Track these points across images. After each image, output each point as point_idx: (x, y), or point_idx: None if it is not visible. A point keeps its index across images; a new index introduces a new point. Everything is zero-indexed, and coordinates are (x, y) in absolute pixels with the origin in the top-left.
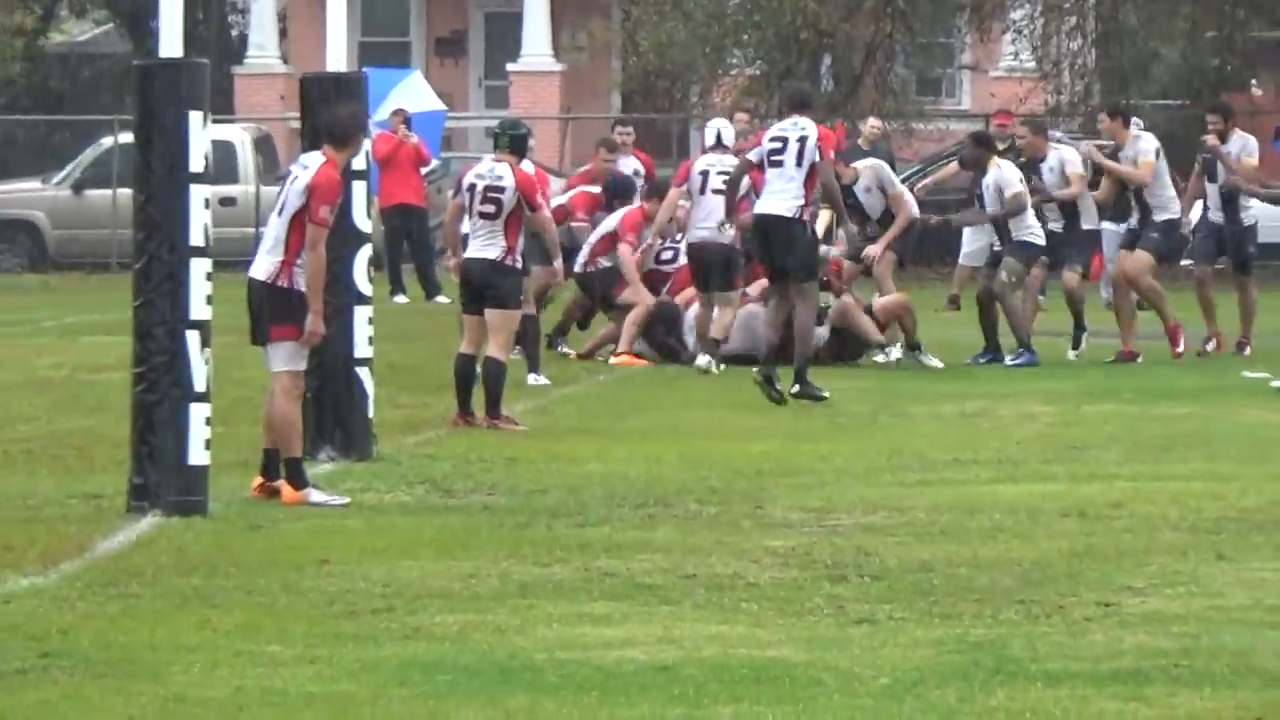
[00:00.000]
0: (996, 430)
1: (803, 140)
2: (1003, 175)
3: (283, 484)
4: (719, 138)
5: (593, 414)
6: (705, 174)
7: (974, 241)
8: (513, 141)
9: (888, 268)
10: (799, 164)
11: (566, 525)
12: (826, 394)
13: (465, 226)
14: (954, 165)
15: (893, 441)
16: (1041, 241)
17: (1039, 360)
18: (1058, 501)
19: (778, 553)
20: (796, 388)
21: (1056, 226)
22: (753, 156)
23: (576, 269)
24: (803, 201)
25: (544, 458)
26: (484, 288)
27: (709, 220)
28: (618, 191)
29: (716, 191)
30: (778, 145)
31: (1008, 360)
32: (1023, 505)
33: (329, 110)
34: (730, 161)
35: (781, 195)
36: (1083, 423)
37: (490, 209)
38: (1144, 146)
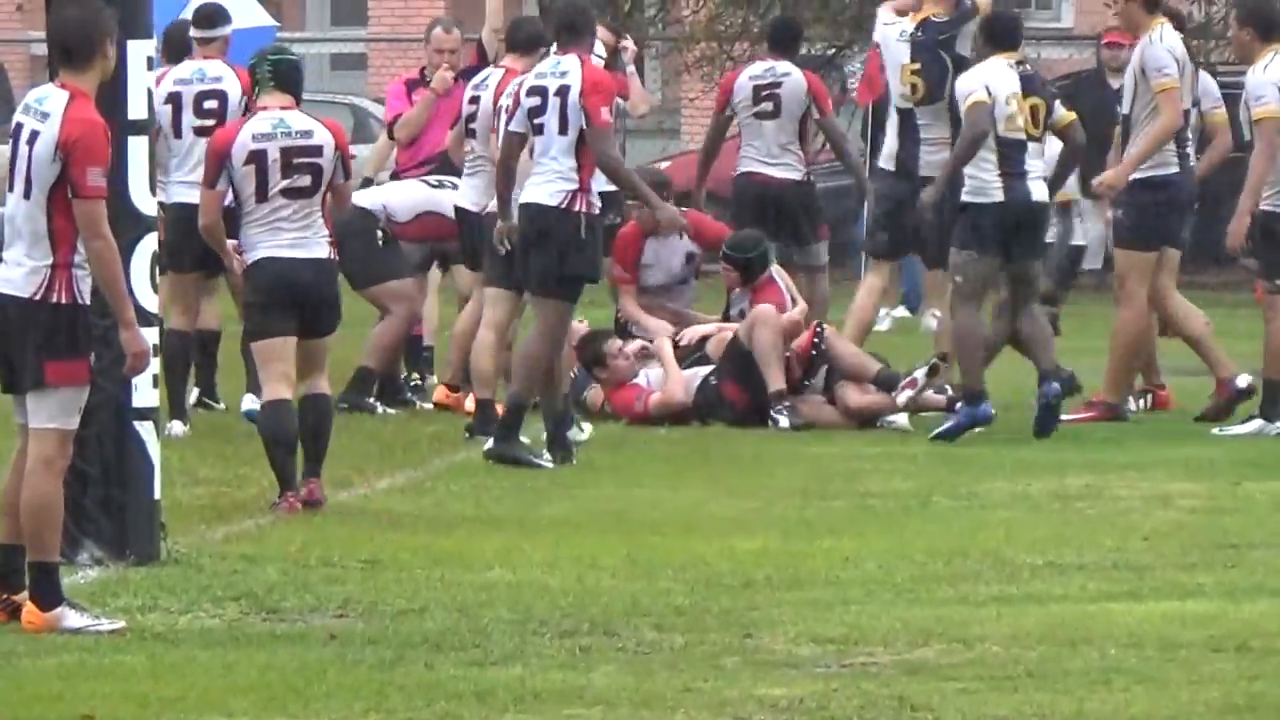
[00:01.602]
0: (1112, 519)
1: (564, 91)
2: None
3: (26, 600)
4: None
5: (496, 494)
6: None
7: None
8: (278, 76)
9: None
10: (563, 128)
11: (456, 663)
12: (548, 463)
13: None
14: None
15: (953, 537)
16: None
17: (984, 418)
18: (1206, 629)
19: (778, 706)
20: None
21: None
22: (513, 124)
23: None
24: (575, 184)
25: (422, 560)
26: (317, 302)
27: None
28: None
29: None
30: (535, 102)
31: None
32: (1152, 634)
33: (58, 10)
34: None
35: (544, 175)
36: (1244, 509)
37: (305, 181)
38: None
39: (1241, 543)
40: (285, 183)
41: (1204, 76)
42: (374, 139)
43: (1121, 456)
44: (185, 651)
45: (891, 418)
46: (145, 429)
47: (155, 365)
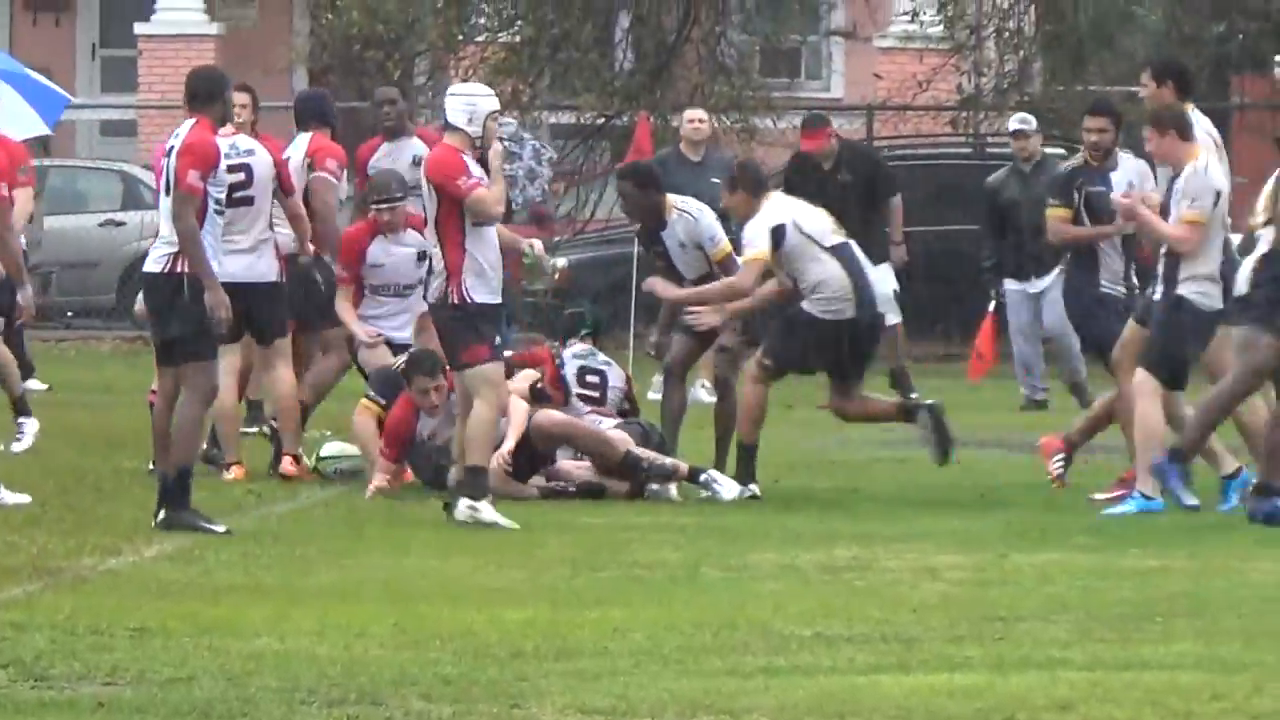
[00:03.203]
0: (880, 591)
1: (172, 152)
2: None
3: None
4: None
5: (265, 562)
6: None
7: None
8: None
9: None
10: (168, 188)
11: None
12: (222, 528)
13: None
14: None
15: (721, 608)
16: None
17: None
18: (973, 701)
19: None
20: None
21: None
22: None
23: None
24: (175, 247)
25: (190, 628)
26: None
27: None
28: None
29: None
30: (165, 162)
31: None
32: (920, 707)
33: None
34: None
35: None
36: (1012, 580)
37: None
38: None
39: (1009, 615)
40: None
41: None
42: (144, 205)
43: (890, 528)
44: None
45: (656, 486)
46: None
47: None
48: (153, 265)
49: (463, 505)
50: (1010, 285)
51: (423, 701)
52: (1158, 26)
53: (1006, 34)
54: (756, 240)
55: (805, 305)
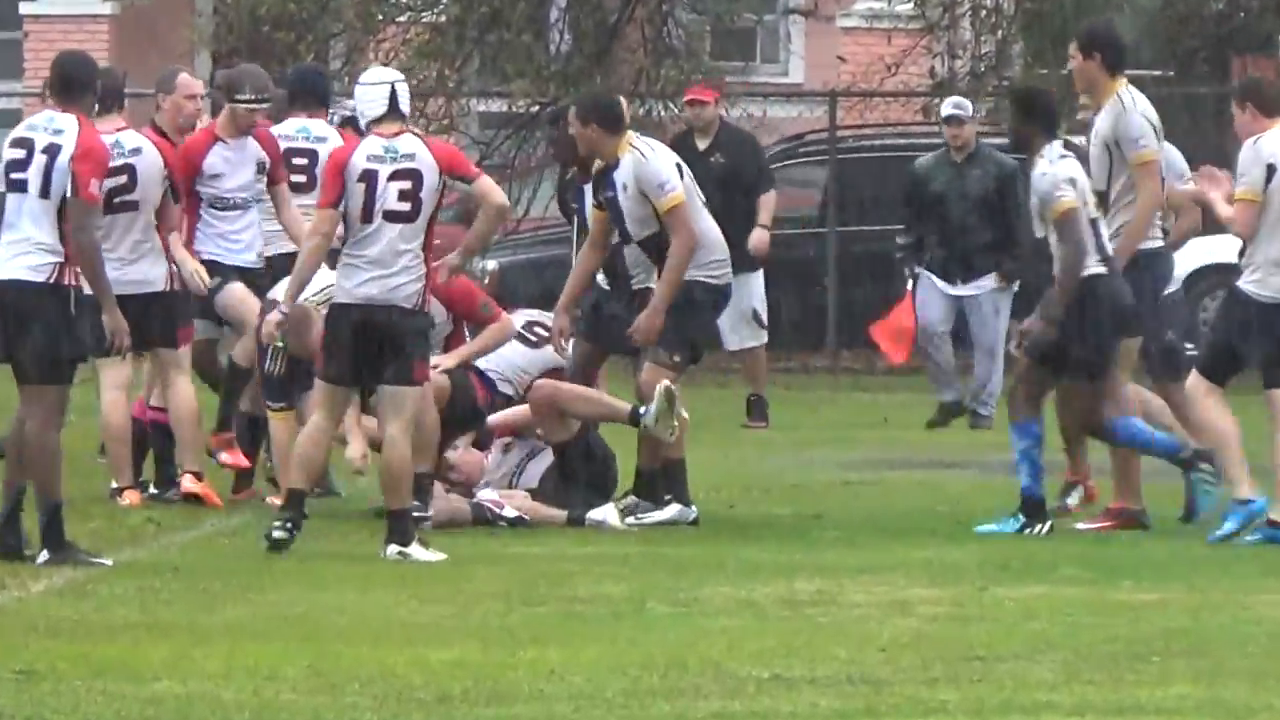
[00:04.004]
0: (846, 628)
1: (53, 151)
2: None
3: None
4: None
5: (165, 597)
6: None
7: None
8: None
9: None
10: (45, 191)
11: None
12: (108, 561)
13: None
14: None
15: (670, 647)
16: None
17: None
18: None
19: None
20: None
21: None
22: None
23: None
24: (60, 256)
25: (83, 670)
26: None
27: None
28: None
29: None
30: (19, 155)
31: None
32: None
33: None
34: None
35: (21, 246)
36: (991, 616)
37: None
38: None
39: (989, 654)
40: None
41: (1167, 147)
42: None
43: (855, 558)
44: None
45: (598, 516)
46: None
47: None
48: (28, 273)
49: (391, 551)
50: (927, 278)
51: None
52: (1151, 4)
53: (984, 12)
54: (672, 177)
55: (694, 276)
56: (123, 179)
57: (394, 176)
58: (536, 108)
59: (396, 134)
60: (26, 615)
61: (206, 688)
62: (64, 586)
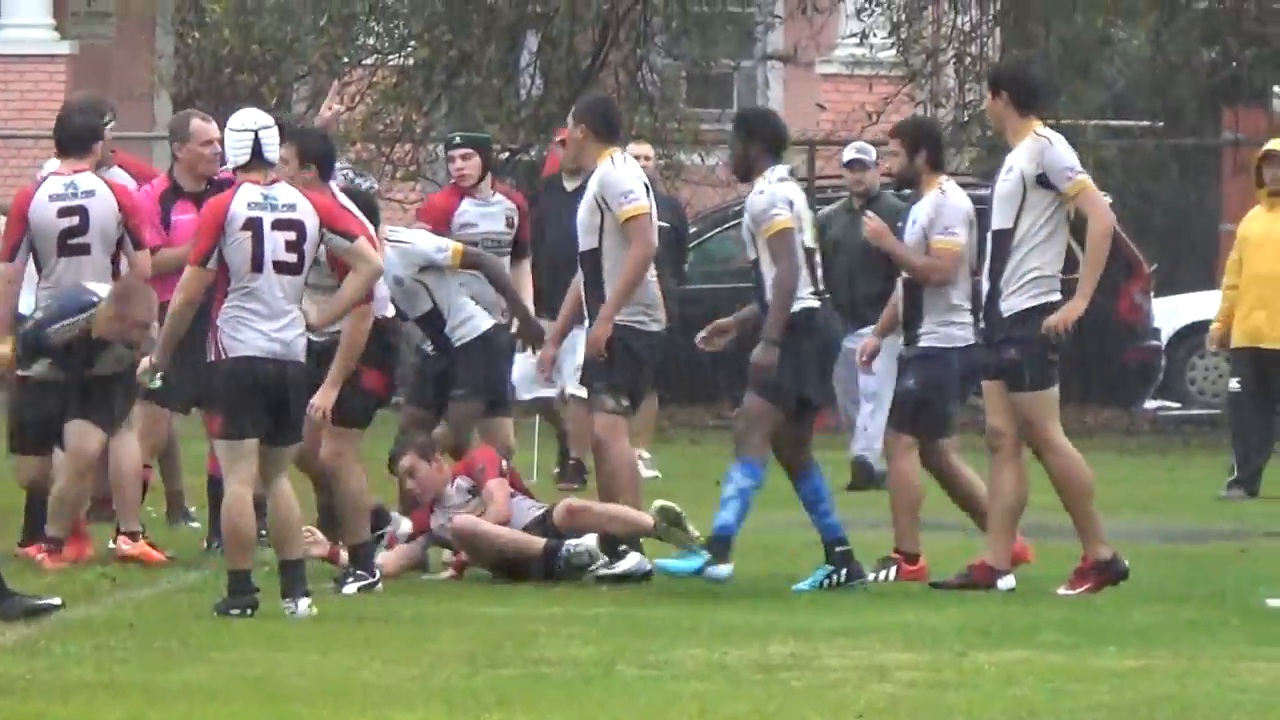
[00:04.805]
0: (821, 693)
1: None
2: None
3: None
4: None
5: (120, 655)
6: None
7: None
8: None
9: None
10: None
11: None
12: (56, 600)
13: None
14: None
15: (639, 711)
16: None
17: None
18: None
19: None
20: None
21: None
22: None
23: None
24: None
25: None
26: None
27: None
28: None
29: None
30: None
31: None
32: None
33: None
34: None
35: None
36: (971, 682)
37: None
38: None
39: None
40: None
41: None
42: None
43: (831, 621)
44: None
45: (577, 543)
46: None
47: None
48: None
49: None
50: None
51: None
52: (1140, 52)
53: (968, 59)
54: (637, 189)
55: (625, 319)
56: (74, 220)
57: (276, 226)
58: (507, 154)
59: (272, 182)
60: None
61: None
62: (16, 643)
